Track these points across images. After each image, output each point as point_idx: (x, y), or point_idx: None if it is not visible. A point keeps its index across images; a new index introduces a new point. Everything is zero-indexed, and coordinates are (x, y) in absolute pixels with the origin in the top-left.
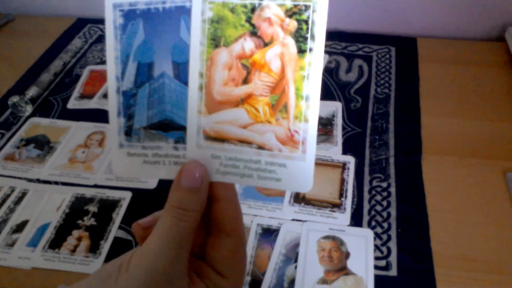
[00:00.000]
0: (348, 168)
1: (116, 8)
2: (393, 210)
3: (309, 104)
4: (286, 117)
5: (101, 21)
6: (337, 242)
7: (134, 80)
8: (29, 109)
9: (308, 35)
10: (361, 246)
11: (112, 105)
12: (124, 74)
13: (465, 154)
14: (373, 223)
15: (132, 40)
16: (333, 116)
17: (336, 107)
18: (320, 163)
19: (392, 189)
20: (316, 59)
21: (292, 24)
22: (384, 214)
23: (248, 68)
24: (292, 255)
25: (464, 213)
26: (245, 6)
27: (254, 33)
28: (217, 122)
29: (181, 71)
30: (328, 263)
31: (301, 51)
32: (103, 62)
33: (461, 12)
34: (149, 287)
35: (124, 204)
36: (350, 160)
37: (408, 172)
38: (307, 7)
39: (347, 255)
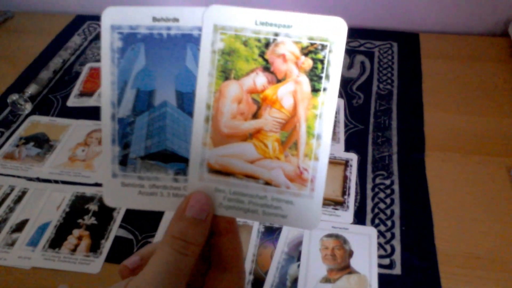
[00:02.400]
0: (351, 166)
1: (115, 30)
2: (396, 208)
3: (320, 143)
4: (295, 154)
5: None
6: (340, 241)
7: (132, 108)
8: (28, 107)
9: (323, 75)
10: (365, 244)
11: (106, 132)
12: (121, 101)
13: (469, 151)
14: (377, 221)
15: (132, 66)
16: (335, 112)
17: (338, 103)
18: None
19: (396, 187)
20: (330, 98)
21: (307, 62)
22: (388, 211)
23: (259, 103)
24: (295, 254)
25: (468, 210)
26: (259, 40)
27: (267, 68)
28: (223, 156)
29: (185, 101)
30: (331, 261)
31: (315, 90)
32: None
33: (464, 7)
34: None
35: None
36: (353, 157)
37: (412, 169)
38: (324, 47)
39: (350, 253)
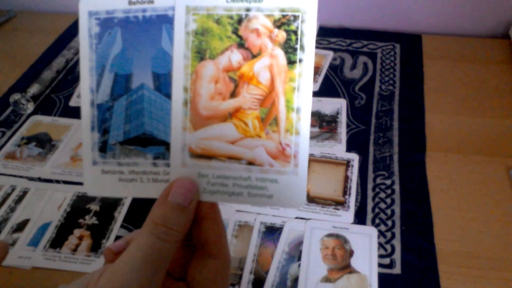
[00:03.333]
0: (352, 166)
1: (92, 16)
2: (397, 208)
3: (300, 116)
4: (276, 131)
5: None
6: (341, 240)
7: (110, 93)
8: (30, 106)
9: (298, 46)
10: (365, 244)
11: (86, 119)
12: (99, 86)
13: (469, 152)
14: (377, 220)
15: (109, 50)
16: (338, 113)
17: (340, 104)
18: (324, 160)
19: (396, 187)
20: (306, 70)
21: (281, 35)
22: (388, 211)
23: (236, 81)
24: (295, 254)
25: (468, 210)
26: (231, 17)
27: (241, 44)
28: (204, 138)
29: (162, 82)
30: (332, 261)
31: (291, 62)
32: None
33: (466, 9)
34: None
35: (126, 203)
36: (354, 158)
37: (412, 169)
38: (296, 17)
39: (350, 253)
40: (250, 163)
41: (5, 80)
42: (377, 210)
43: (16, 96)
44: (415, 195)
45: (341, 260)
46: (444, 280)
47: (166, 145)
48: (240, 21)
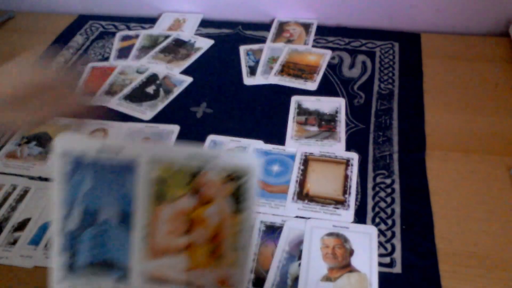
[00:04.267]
0: (352, 165)
1: (66, 155)
2: (397, 207)
3: (242, 255)
4: (222, 264)
5: (103, 17)
6: (341, 239)
7: (79, 223)
8: None
9: (242, 198)
10: (365, 243)
11: (56, 243)
12: (70, 216)
13: (469, 150)
14: (377, 220)
15: (79, 187)
16: (337, 112)
17: (339, 103)
18: (324, 159)
19: (396, 186)
20: (249, 217)
21: (229, 188)
22: (388, 210)
23: (190, 222)
24: (295, 253)
25: (468, 209)
26: (187, 171)
27: (195, 193)
28: (160, 267)
29: (125, 219)
30: (332, 260)
31: (236, 211)
32: (105, 58)
33: (465, 8)
34: None
35: None
36: (354, 157)
37: (412, 168)
38: (241, 175)
39: (351, 252)
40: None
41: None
42: (377, 209)
43: None
44: (415, 194)
45: (341, 259)
46: (445, 279)
47: (127, 270)
48: (195, 174)
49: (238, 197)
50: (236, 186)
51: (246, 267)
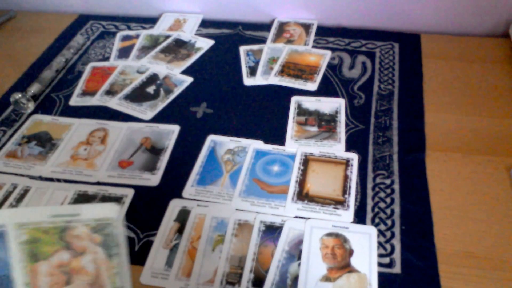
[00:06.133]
0: (352, 165)
1: None
2: (396, 207)
3: None
4: None
5: (103, 17)
6: (341, 239)
7: None
8: (31, 106)
9: (113, 243)
10: (365, 243)
11: None
12: None
13: (469, 151)
14: (377, 220)
15: None
16: (337, 112)
17: (339, 103)
18: (323, 159)
19: (396, 186)
20: (123, 259)
21: (98, 237)
22: (388, 211)
23: (69, 273)
24: (295, 253)
25: (468, 210)
26: (55, 228)
27: (67, 247)
28: None
29: (5, 282)
30: (332, 260)
31: (110, 256)
32: (105, 58)
33: (465, 8)
34: None
35: (127, 201)
36: (354, 157)
37: (412, 169)
38: (107, 224)
39: (350, 252)
40: None
41: (6, 79)
42: (376, 209)
43: (16, 96)
44: (415, 195)
45: (341, 259)
46: (444, 280)
47: None
48: (63, 230)
49: (108, 245)
50: (103, 235)
51: None
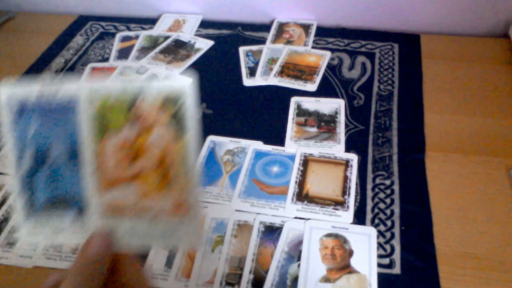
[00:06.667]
0: (351, 166)
1: (10, 102)
2: (396, 208)
3: (191, 175)
4: (173, 189)
5: (103, 18)
6: (340, 240)
7: (32, 164)
8: None
9: (182, 120)
10: (365, 244)
11: (14, 185)
12: (22, 159)
13: (469, 152)
14: (376, 221)
15: (27, 128)
16: (336, 113)
17: (339, 104)
18: (323, 160)
19: (396, 187)
20: (192, 138)
21: (168, 112)
22: (388, 211)
23: (135, 151)
24: (295, 253)
25: (468, 210)
26: (126, 99)
27: (135, 122)
28: (113, 199)
29: (75, 155)
30: (331, 261)
31: (178, 135)
32: (105, 59)
33: (465, 9)
34: None
35: None
36: (353, 158)
37: (412, 169)
38: (178, 99)
39: (350, 253)
40: (154, 216)
41: (5, 80)
42: (376, 210)
43: None
44: (414, 195)
45: (340, 260)
46: (444, 281)
47: (83, 206)
48: (133, 103)
49: (177, 122)
50: (173, 111)
51: (196, 190)
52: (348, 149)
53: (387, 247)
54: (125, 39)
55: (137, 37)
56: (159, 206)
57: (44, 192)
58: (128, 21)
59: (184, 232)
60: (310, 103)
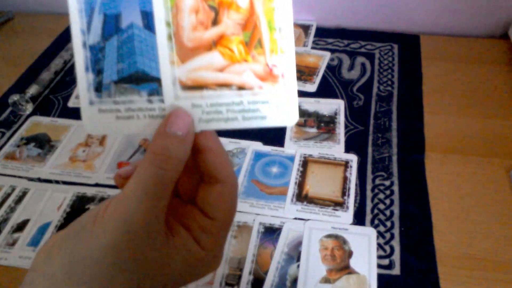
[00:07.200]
0: (351, 166)
1: None
2: (396, 209)
3: (283, 35)
4: (262, 53)
5: None
6: (340, 241)
7: (101, 33)
8: (29, 107)
9: None
10: (364, 244)
11: (79, 60)
12: (90, 28)
13: (469, 152)
14: (376, 221)
15: None
16: (336, 114)
17: (338, 105)
18: (323, 161)
19: (395, 188)
20: None
21: None
22: (387, 212)
23: (216, 9)
24: (294, 254)
25: (468, 211)
26: None
27: None
28: (192, 70)
29: (150, 20)
30: (331, 262)
31: None
32: None
33: (464, 9)
34: (124, 238)
35: None
36: (353, 158)
37: (411, 170)
38: None
39: (350, 254)
40: (240, 88)
41: (4, 81)
42: (376, 211)
43: (15, 97)
44: (414, 196)
45: (340, 261)
46: (443, 282)
47: (159, 81)
48: None
49: None
50: None
51: (290, 52)
52: (347, 149)
53: (387, 248)
54: None
55: None
56: (245, 75)
57: (114, 68)
58: None
59: (275, 105)
60: (309, 104)
